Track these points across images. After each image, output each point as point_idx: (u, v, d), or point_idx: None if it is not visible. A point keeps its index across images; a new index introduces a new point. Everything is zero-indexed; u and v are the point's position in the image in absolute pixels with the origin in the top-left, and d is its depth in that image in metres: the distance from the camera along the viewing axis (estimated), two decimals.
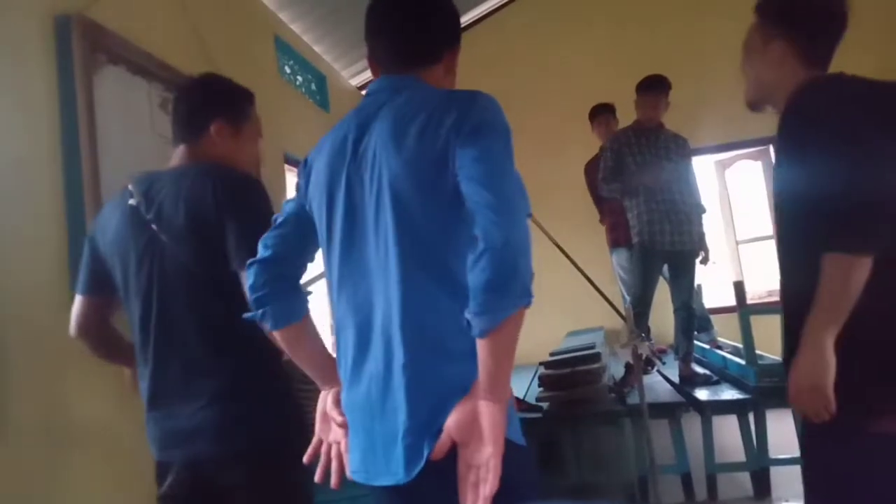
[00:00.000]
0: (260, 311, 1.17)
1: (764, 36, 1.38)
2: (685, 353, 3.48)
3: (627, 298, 3.90)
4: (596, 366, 3.25)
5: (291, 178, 4.14)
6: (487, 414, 0.96)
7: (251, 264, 1.20)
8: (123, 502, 2.12)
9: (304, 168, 1.24)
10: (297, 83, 4.49)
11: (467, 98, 1.07)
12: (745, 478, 3.05)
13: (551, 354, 3.57)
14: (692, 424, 3.10)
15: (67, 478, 1.93)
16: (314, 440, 1.24)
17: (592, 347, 3.51)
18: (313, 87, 4.76)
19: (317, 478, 1.19)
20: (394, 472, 1.03)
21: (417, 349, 1.02)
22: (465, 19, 5.67)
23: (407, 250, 1.03)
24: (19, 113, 1.97)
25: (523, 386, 3.80)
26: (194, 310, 1.41)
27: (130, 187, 1.47)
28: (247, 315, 1.20)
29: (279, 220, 1.23)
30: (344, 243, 1.12)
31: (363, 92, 5.77)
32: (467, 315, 0.94)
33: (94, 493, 2.02)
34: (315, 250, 1.24)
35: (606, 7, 5.51)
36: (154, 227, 1.40)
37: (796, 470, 1.57)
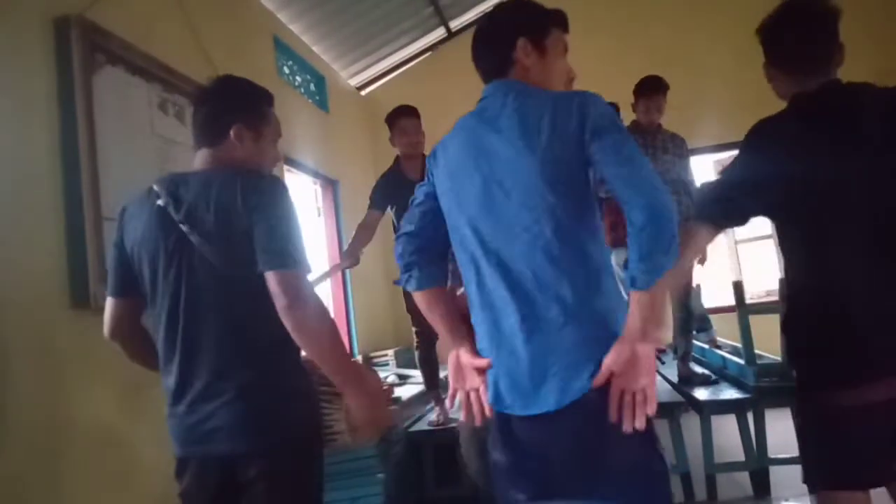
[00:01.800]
0: (406, 276, 1.41)
1: (765, 65, 1.59)
2: (684, 353, 3.48)
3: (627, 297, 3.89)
4: None
5: (291, 179, 4.14)
6: (643, 352, 1.17)
7: (400, 236, 1.41)
8: None
9: (434, 160, 1.42)
10: (296, 83, 4.49)
11: (583, 99, 1.23)
12: (744, 478, 3.05)
13: None
14: (691, 424, 3.09)
15: (68, 481, 1.93)
16: (450, 391, 1.38)
17: None
18: (312, 87, 4.76)
19: (462, 417, 1.35)
20: (542, 403, 1.21)
21: (566, 306, 1.22)
22: (469, 16, 5.67)
23: (550, 234, 1.23)
24: (19, 113, 1.98)
25: None
26: (222, 309, 1.44)
27: (156, 188, 1.49)
28: (396, 280, 1.39)
29: (418, 200, 1.44)
30: (486, 229, 1.30)
31: (362, 92, 5.79)
32: (630, 273, 1.15)
33: (96, 497, 2.02)
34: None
35: (606, 10, 5.52)
36: (184, 227, 1.42)
37: (796, 470, 1.58)
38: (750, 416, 3.04)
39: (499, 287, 1.28)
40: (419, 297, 1.42)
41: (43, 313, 1.94)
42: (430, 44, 5.75)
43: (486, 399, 1.31)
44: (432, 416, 3.30)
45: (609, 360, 1.18)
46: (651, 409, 1.17)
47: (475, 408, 1.34)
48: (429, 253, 1.42)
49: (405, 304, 2.97)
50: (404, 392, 3.67)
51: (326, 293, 4.69)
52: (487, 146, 1.29)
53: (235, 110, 1.55)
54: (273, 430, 1.43)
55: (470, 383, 1.35)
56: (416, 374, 4.26)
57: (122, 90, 2.44)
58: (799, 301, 1.52)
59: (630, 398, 1.17)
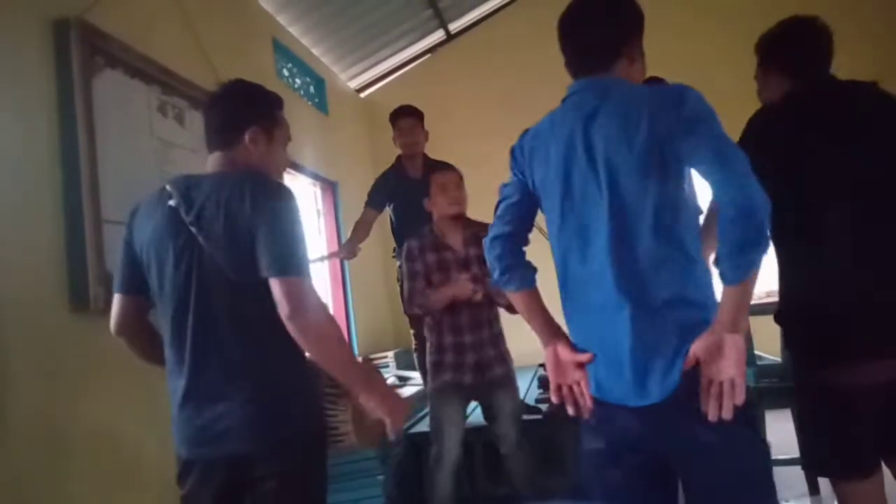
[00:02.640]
0: (506, 277, 1.42)
1: (761, 71, 1.74)
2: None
3: None
4: None
5: (291, 181, 4.14)
6: (733, 343, 1.19)
7: (497, 238, 1.41)
8: None
9: (523, 152, 1.45)
10: (296, 86, 4.50)
11: (679, 93, 1.27)
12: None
13: None
14: None
15: (69, 482, 1.93)
16: (553, 387, 1.40)
17: None
18: (312, 89, 4.76)
19: (571, 412, 1.37)
20: (647, 395, 1.26)
21: (664, 298, 1.27)
22: (468, 18, 5.68)
23: (651, 225, 1.27)
24: (18, 116, 1.98)
25: (523, 387, 3.80)
26: (230, 311, 1.45)
27: (169, 188, 1.50)
28: (491, 281, 1.43)
29: (512, 199, 1.45)
30: (580, 219, 1.34)
31: (362, 95, 5.79)
32: (721, 267, 1.18)
33: (97, 498, 2.02)
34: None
35: None
36: (193, 229, 1.43)
37: (796, 470, 1.59)
38: None
39: (601, 276, 1.31)
40: (519, 297, 1.43)
41: (42, 316, 1.94)
42: (429, 46, 5.75)
43: (588, 391, 1.35)
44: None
45: (696, 348, 1.22)
46: (739, 400, 1.19)
47: (580, 401, 1.36)
48: (523, 253, 1.45)
49: (403, 308, 2.95)
50: (404, 394, 3.67)
51: (326, 296, 4.69)
52: (589, 139, 1.32)
53: (250, 114, 1.57)
54: (281, 430, 1.44)
55: (571, 377, 1.37)
56: (416, 375, 4.26)
57: (122, 93, 2.44)
58: (796, 286, 1.58)
59: (717, 388, 1.20)
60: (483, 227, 2.82)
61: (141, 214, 1.57)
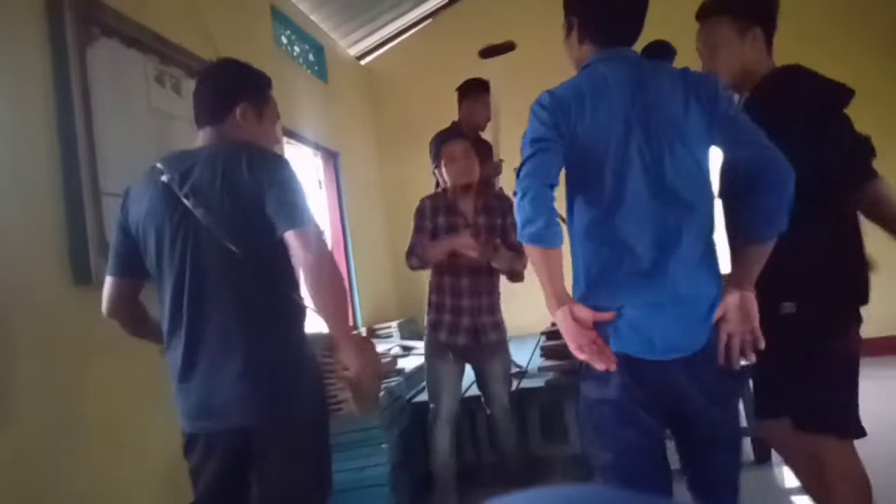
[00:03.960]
0: (551, 230, 1.40)
1: (742, 24, 1.70)
2: None
3: None
4: None
5: (291, 151, 4.11)
6: (751, 299, 1.38)
7: (541, 187, 1.39)
8: (131, 488, 2.15)
9: (561, 108, 1.44)
10: (295, 53, 4.43)
11: (709, 77, 1.49)
12: (745, 443, 3.07)
13: (553, 324, 3.57)
14: None
15: (76, 457, 1.95)
16: (573, 346, 1.41)
17: None
18: (311, 57, 4.69)
19: (599, 367, 1.38)
20: (687, 347, 1.38)
21: (699, 264, 1.40)
22: None
23: (699, 191, 1.42)
24: (12, 89, 1.95)
25: (525, 357, 3.82)
26: (227, 284, 1.47)
27: (160, 165, 1.52)
28: (531, 233, 1.39)
29: (548, 151, 1.42)
30: (615, 187, 1.41)
31: (362, 62, 5.71)
32: (751, 226, 1.39)
33: (104, 472, 2.04)
34: None
35: None
36: (188, 202, 1.45)
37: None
38: (751, 383, 3.05)
39: (642, 235, 1.38)
40: (553, 254, 1.41)
41: (44, 292, 1.94)
42: (430, 10, 5.65)
43: (608, 348, 1.39)
44: None
45: (728, 303, 1.38)
46: (761, 345, 1.38)
47: (602, 356, 1.39)
48: (555, 210, 1.44)
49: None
50: (408, 363, 3.69)
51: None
52: (643, 109, 1.41)
53: (240, 90, 1.60)
54: (282, 402, 1.46)
55: (588, 335, 1.40)
56: (420, 345, 4.28)
57: (118, 63, 2.40)
58: (830, 259, 1.63)
59: (739, 340, 1.38)
60: (495, 197, 2.85)
61: (134, 194, 1.59)
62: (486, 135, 3.50)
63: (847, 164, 1.56)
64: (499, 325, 2.82)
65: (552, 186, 1.41)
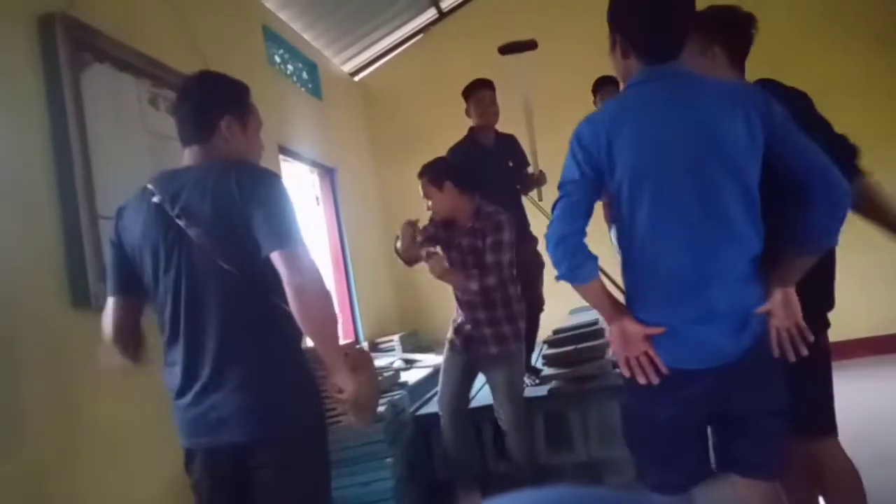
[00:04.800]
0: (578, 272, 1.46)
1: (702, 44, 1.74)
2: None
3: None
4: (599, 342, 3.25)
5: (286, 169, 4.12)
6: (794, 296, 1.45)
7: (562, 238, 1.44)
8: (139, 499, 2.15)
9: (595, 141, 1.45)
10: (288, 72, 4.46)
11: (759, 91, 1.49)
12: None
13: (555, 332, 3.57)
14: None
15: (83, 476, 1.95)
16: (621, 361, 1.47)
17: (595, 324, 3.51)
18: (305, 75, 4.72)
19: (641, 380, 1.44)
20: (731, 354, 1.43)
21: (739, 279, 1.44)
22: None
23: (743, 210, 1.43)
24: (7, 115, 1.96)
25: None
26: (222, 301, 1.47)
27: (151, 186, 1.52)
28: (561, 276, 1.46)
29: (574, 197, 1.46)
30: (660, 207, 1.43)
31: (356, 78, 5.74)
32: (806, 239, 1.44)
33: (111, 489, 2.04)
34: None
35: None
36: (180, 222, 1.45)
37: None
38: None
39: (688, 244, 1.42)
40: (590, 287, 1.49)
41: (44, 315, 1.94)
42: (421, 25, 5.69)
43: (658, 359, 1.44)
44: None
45: (772, 302, 1.44)
46: (810, 338, 1.45)
47: (649, 369, 1.44)
48: (586, 246, 1.49)
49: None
50: (410, 377, 3.69)
51: (329, 280, 4.70)
52: (695, 115, 1.43)
53: (222, 104, 1.58)
54: (279, 417, 1.46)
55: (639, 348, 1.45)
56: (422, 358, 4.27)
57: (112, 87, 2.42)
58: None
59: (787, 334, 1.44)
60: (483, 217, 2.85)
61: (127, 215, 1.58)
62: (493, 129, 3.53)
63: (835, 156, 1.59)
64: (503, 337, 2.79)
65: (579, 229, 1.46)
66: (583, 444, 3.10)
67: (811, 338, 1.45)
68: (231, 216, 1.43)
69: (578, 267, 1.46)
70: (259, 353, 1.47)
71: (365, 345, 4.68)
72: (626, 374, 1.48)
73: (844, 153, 1.60)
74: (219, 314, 1.46)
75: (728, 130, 1.41)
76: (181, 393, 1.49)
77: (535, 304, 3.64)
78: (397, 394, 3.17)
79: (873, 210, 1.63)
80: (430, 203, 2.85)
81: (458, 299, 2.88)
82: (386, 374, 3.57)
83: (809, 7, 4.98)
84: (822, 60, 4.73)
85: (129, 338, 1.61)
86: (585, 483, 3.01)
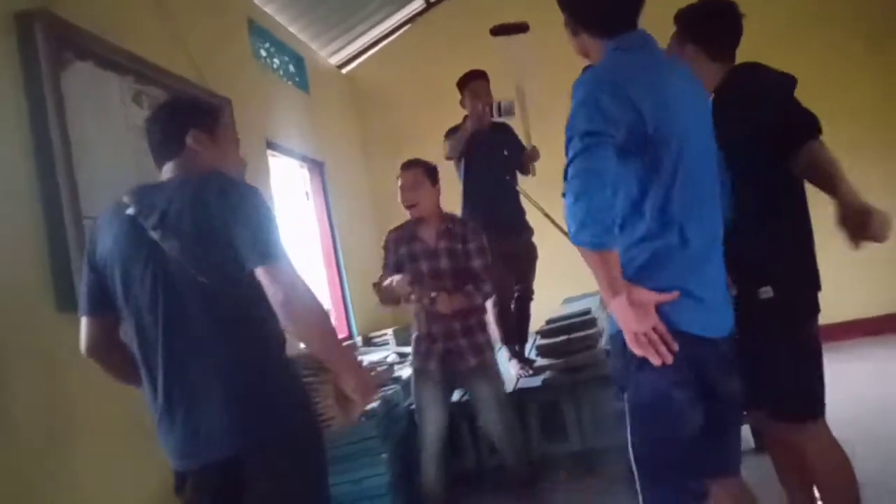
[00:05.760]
0: (611, 236, 1.31)
1: (681, 40, 1.80)
2: None
3: None
4: (592, 331, 3.25)
5: (274, 164, 4.09)
6: None
7: (600, 190, 1.27)
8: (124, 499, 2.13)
9: (621, 98, 1.32)
10: (275, 66, 4.42)
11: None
12: (745, 430, 3.07)
13: (548, 322, 3.57)
14: None
15: (69, 479, 1.93)
16: (630, 337, 1.35)
17: (588, 313, 3.51)
18: (291, 68, 4.68)
19: (656, 362, 1.33)
20: (725, 328, 1.45)
21: (719, 251, 1.47)
22: None
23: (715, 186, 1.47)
24: None
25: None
26: (200, 316, 1.43)
27: (126, 199, 1.49)
28: (578, 240, 1.30)
29: (616, 139, 1.30)
30: (685, 176, 1.38)
31: (343, 71, 5.70)
32: None
33: (97, 494, 2.02)
34: None
35: None
36: (155, 235, 1.41)
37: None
38: None
39: (701, 211, 1.41)
40: (605, 256, 1.31)
41: (30, 319, 1.92)
42: (409, 16, 5.65)
43: (669, 336, 1.34)
44: (513, 371, 3.39)
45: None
46: None
47: (661, 347, 1.32)
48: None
49: None
50: (404, 371, 3.68)
51: (319, 276, 4.68)
52: (690, 87, 1.45)
53: (186, 118, 1.57)
54: (266, 427, 1.42)
55: (649, 322, 1.32)
56: None
57: (94, 85, 2.39)
58: (793, 255, 1.72)
59: None
60: (458, 222, 2.85)
61: (100, 228, 1.55)
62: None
63: (792, 120, 1.64)
64: (478, 348, 2.75)
65: (608, 188, 1.27)
66: (577, 433, 3.10)
67: None
68: (209, 229, 1.40)
69: (609, 231, 1.28)
70: (242, 366, 1.43)
71: (359, 339, 4.66)
72: (639, 352, 1.33)
73: (800, 121, 1.64)
74: (198, 329, 1.42)
75: (704, 103, 1.48)
76: (165, 413, 1.45)
77: (526, 296, 3.64)
78: (391, 388, 3.17)
79: (813, 171, 1.62)
80: (407, 196, 2.75)
81: (424, 315, 2.73)
82: (380, 369, 3.56)
83: (803, 6, 4.97)
84: (816, 59, 4.73)
85: (108, 356, 1.56)
86: (580, 472, 3.03)
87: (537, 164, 3.52)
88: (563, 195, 1.29)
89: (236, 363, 1.43)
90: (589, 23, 1.47)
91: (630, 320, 1.32)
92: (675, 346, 1.32)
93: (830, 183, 1.56)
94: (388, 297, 2.67)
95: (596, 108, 1.30)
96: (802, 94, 1.72)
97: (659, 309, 1.34)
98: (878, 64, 4.89)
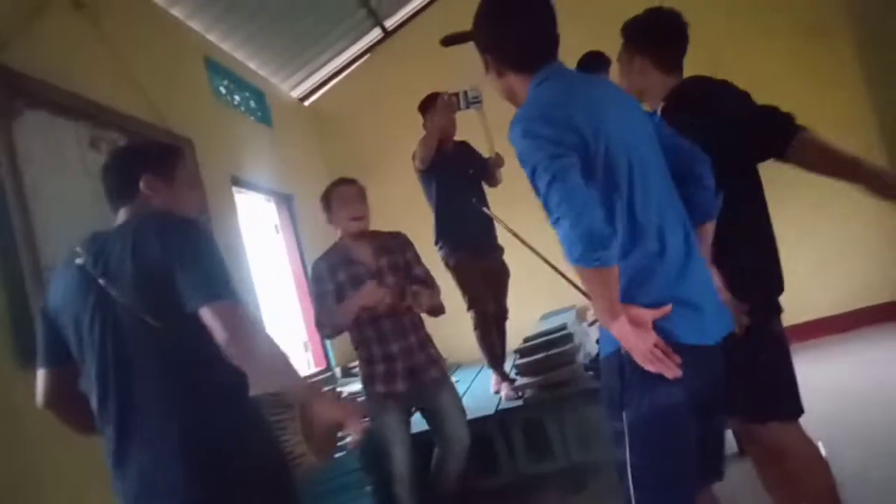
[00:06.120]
0: (611, 252, 1.30)
1: (629, 53, 1.83)
2: None
3: None
4: (569, 347, 3.25)
5: (241, 200, 4.06)
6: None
7: (593, 211, 1.27)
8: None
9: (572, 124, 1.35)
10: (235, 102, 4.40)
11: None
12: (729, 435, 3.08)
13: (525, 340, 3.57)
14: None
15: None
16: (641, 357, 1.33)
17: (564, 328, 3.52)
18: (252, 104, 4.67)
19: (669, 373, 1.33)
20: (719, 332, 1.45)
21: (697, 255, 1.48)
22: (403, 13, 5.62)
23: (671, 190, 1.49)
24: None
25: (480, 383, 3.80)
26: (152, 360, 1.39)
27: (78, 248, 1.47)
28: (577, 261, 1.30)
29: (573, 176, 1.29)
30: (642, 183, 1.40)
31: (306, 103, 5.70)
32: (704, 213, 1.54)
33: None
34: None
35: None
36: (102, 282, 1.39)
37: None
38: None
39: (675, 232, 1.42)
40: (607, 275, 1.30)
41: None
42: (367, 45, 5.69)
43: (668, 349, 1.34)
44: (503, 392, 3.33)
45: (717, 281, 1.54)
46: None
47: (668, 360, 1.32)
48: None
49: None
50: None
51: (295, 308, 4.62)
52: (625, 103, 1.50)
53: (139, 164, 1.57)
54: (226, 469, 1.38)
55: (651, 338, 1.33)
56: None
57: (48, 133, 2.35)
58: (759, 258, 1.74)
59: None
60: (389, 236, 2.78)
61: (53, 280, 1.54)
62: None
63: (764, 124, 1.62)
64: (435, 360, 2.73)
65: (596, 205, 1.29)
66: (562, 450, 3.08)
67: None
68: (152, 271, 1.37)
69: (606, 248, 1.26)
70: (196, 410, 1.39)
71: (338, 370, 4.60)
72: (653, 369, 1.32)
73: (778, 118, 1.61)
74: (149, 375, 1.39)
75: (643, 121, 1.50)
76: (118, 461, 1.40)
77: (502, 315, 3.63)
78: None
79: (822, 159, 1.59)
80: (357, 207, 2.66)
81: (376, 338, 2.63)
82: (360, 399, 3.51)
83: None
84: (755, 51, 4.86)
85: (65, 407, 1.53)
86: (568, 489, 3.00)
87: (503, 180, 3.54)
88: (553, 224, 1.28)
89: (189, 407, 1.39)
90: (515, 61, 1.49)
91: (637, 340, 1.33)
92: (678, 359, 1.32)
93: (845, 165, 1.55)
94: (345, 317, 2.57)
95: (542, 138, 1.31)
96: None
97: (655, 324, 1.34)
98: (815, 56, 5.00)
